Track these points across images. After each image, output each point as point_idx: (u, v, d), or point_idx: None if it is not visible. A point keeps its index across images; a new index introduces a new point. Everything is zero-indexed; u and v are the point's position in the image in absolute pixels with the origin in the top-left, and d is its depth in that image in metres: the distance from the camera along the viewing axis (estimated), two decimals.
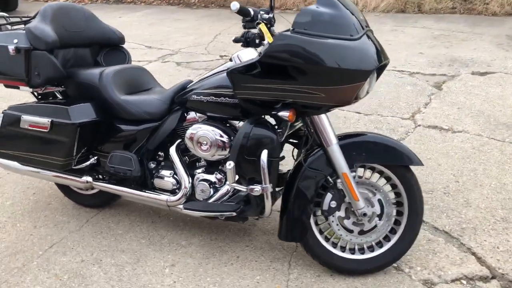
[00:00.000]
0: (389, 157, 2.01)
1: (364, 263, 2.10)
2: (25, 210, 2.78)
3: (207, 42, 6.40)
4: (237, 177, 2.02)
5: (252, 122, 2.00)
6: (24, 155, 2.38)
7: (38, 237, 2.53)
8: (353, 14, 1.83)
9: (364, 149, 2.02)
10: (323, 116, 1.97)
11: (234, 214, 2.09)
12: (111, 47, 2.67)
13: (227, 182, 2.07)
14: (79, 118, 2.24)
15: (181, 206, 2.20)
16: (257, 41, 1.95)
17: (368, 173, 2.07)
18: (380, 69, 1.92)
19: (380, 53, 1.85)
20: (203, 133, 2.09)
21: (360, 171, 2.06)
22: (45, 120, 2.25)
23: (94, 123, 2.31)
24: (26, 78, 2.29)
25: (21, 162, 2.44)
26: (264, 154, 1.92)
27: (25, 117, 2.31)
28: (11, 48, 2.24)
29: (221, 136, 2.07)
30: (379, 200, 2.07)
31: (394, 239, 2.10)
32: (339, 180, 1.99)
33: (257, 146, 1.95)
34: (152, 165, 2.33)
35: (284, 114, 1.93)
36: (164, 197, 2.23)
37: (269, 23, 1.99)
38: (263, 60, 1.84)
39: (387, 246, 2.10)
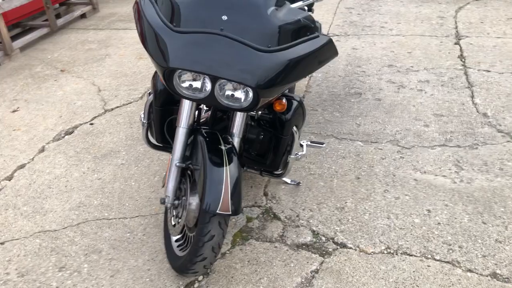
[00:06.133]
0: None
1: (170, 253, 2.17)
2: None
3: None
4: None
5: None
6: None
7: None
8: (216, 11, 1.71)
9: (196, 152, 1.94)
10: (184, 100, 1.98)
11: None
12: None
13: None
14: None
15: None
16: None
17: None
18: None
19: (206, 62, 1.68)
20: None
21: None
22: None
23: None
24: None
25: None
26: (151, 96, 2.23)
27: None
28: None
29: None
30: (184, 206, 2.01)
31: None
32: None
33: (152, 86, 2.22)
34: None
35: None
36: None
37: None
38: None
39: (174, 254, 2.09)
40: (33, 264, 2.22)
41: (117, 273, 2.15)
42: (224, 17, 1.68)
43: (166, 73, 1.76)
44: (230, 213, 1.80)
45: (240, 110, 1.82)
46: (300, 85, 3.84)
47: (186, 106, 1.98)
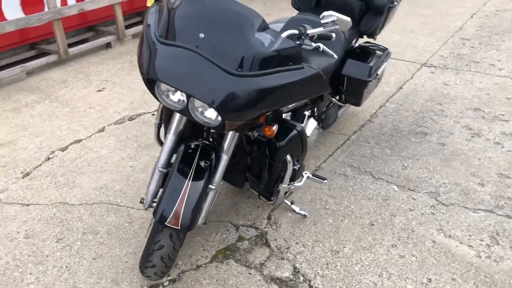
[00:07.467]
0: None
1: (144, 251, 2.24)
2: None
3: None
4: None
5: None
6: None
7: None
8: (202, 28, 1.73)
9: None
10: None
11: None
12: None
13: None
14: None
15: None
16: None
17: None
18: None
19: (176, 76, 1.69)
20: None
21: None
22: None
23: None
24: None
25: None
26: None
27: None
28: None
29: None
30: None
31: None
32: None
33: None
34: None
35: None
36: None
37: None
38: None
39: None
40: (41, 230, 2.47)
41: (100, 257, 2.29)
42: (201, 35, 1.68)
43: (146, 80, 1.83)
44: (179, 228, 1.81)
45: (213, 128, 1.82)
46: (365, 114, 3.63)
47: (176, 115, 2.03)
